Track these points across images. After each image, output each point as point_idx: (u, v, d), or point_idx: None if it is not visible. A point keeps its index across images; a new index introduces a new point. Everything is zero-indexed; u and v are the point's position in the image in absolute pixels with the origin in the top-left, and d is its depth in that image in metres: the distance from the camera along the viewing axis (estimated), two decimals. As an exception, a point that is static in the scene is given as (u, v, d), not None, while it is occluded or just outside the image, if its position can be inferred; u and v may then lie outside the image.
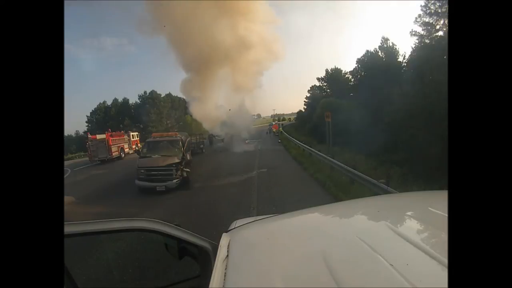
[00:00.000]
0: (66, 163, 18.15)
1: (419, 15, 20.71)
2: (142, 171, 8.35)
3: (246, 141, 21.02)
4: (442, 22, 19.45)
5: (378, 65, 25.39)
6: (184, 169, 8.71)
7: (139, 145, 20.51)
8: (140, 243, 2.24)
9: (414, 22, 21.11)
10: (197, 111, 26.00)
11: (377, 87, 21.50)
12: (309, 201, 6.02)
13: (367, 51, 28.39)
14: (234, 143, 18.72)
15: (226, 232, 1.19)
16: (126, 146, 19.36)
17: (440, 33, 19.49)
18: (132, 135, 21.27)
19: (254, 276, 0.83)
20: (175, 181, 8.22)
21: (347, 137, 18.65)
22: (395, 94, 15.39)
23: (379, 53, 27.39)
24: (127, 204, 7.26)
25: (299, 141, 16.04)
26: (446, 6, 17.48)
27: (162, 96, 38.88)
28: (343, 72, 32.76)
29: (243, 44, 24.19)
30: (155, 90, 39.20)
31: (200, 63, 23.85)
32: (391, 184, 5.08)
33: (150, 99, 38.83)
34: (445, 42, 15.16)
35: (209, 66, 24.12)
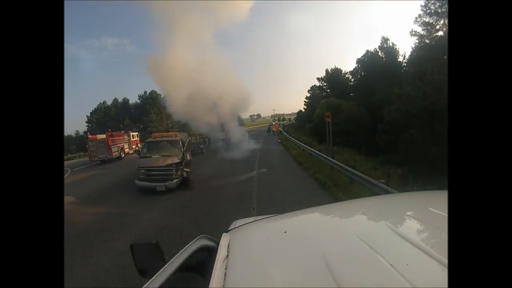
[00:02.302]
0: (66, 163, 18.14)
1: (419, 15, 20.66)
2: (142, 171, 8.35)
3: (246, 141, 21.00)
4: (442, 22, 19.42)
5: (378, 65, 25.39)
6: (184, 169, 8.71)
7: (139, 145, 20.49)
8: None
9: (414, 22, 21.05)
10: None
11: (377, 87, 21.51)
12: (309, 201, 6.02)
13: (367, 51, 28.43)
14: (234, 144, 18.68)
15: (226, 232, 1.19)
16: (126, 146, 19.36)
17: (440, 33, 19.46)
18: (132, 135, 21.25)
19: (254, 276, 0.83)
20: (175, 181, 8.22)
21: (347, 137, 18.71)
22: (395, 94, 15.40)
23: (379, 53, 27.37)
24: (127, 204, 7.26)
25: (299, 141, 16.03)
26: (446, 6, 17.47)
27: (162, 96, 38.90)
28: (343, 72, 32.83)
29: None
30: (155, 90, 39.25)
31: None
32: (391, 184, 5.09)
33: (150, 99, 38.83)
34: (445, 42, 15.17)
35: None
